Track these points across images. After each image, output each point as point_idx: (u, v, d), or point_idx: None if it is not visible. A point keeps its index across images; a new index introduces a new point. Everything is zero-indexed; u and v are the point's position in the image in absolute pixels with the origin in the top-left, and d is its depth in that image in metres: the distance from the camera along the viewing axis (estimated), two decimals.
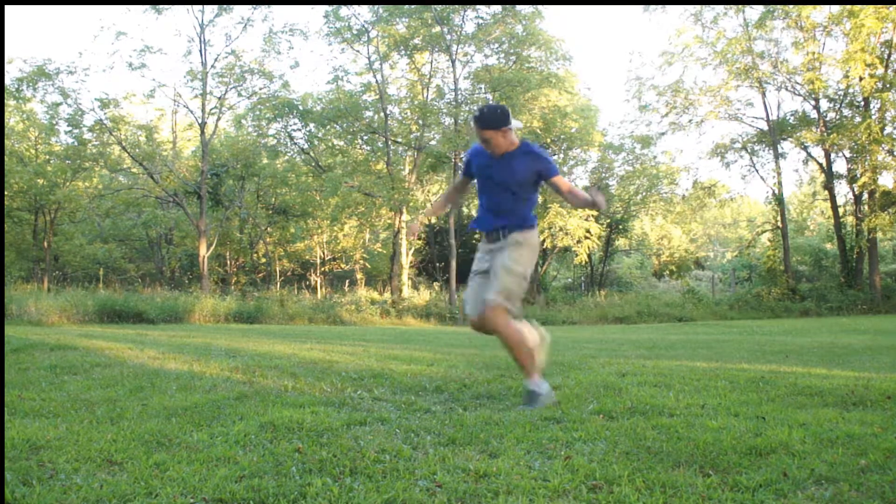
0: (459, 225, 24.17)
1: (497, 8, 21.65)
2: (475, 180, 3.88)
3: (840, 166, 23.64)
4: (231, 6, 21.01)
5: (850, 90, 22.31)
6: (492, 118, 3.56)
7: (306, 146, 24.35)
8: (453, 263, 20.57)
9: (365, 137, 23.11)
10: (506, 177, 3.65)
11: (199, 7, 21.02)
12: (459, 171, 3.95)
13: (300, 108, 22.76)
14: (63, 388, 4.11)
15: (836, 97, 23.00)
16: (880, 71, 20.66)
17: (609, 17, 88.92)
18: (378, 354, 6.25)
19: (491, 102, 3.85)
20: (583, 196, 3.69)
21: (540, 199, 24.98)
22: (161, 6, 20.42)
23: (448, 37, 21.60)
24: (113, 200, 24.28)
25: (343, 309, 17.60)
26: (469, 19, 21.90)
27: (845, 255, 22.89)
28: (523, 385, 3.71)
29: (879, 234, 22.68)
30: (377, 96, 21.96)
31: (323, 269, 27.42)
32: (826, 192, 23.62)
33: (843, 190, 23.61)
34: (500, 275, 3.57)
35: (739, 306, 21.13)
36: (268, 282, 25.16)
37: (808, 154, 24.22)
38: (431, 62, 23.14)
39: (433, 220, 27.42)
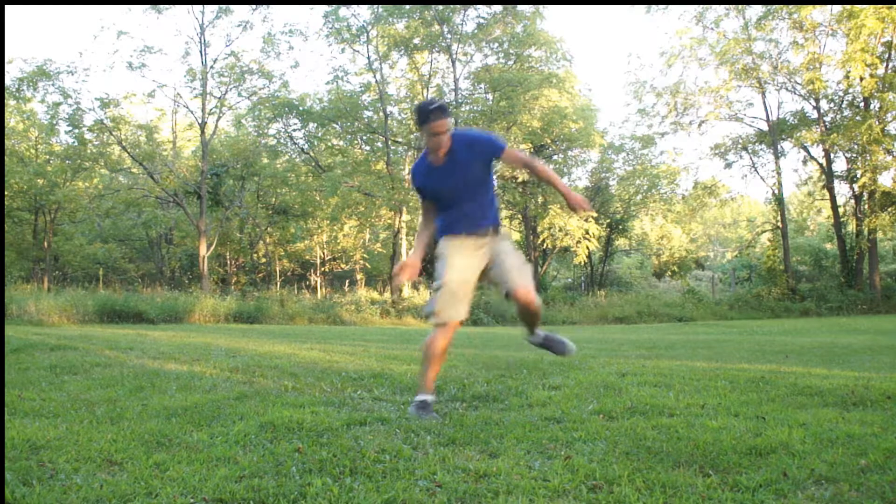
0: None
1: (497, 7, 21.65)
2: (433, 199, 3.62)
3: (840, 166, 23.70)
4: (230, 7, 21.01)
5: (851, 90, 22.33)
6: (444, 106, 3.34)
7: (306, 146, 24.35)
8: None
9: (365, 137, 23.11)
10: (463, 176, 3.43)
11: (200, 7, 21.04)
12: (420, 197, 3.67)
13: (300, 108, 22.76)
14: (63, 388, 4.11)
15: (836, 97, 23.02)
16: (881, 71, 20.66)
17: (609, 17, 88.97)
18: (378, 354, 6.25)
19: (427, 98, 3.67)
20: (546, 171, 3.64)
21: (540, 199, 25.18)
22: (161, 6, 20.43)
23: (448, 36, 21.60)
24: (113, 200, 24.26)
25: (343, 309, 17.59)
26: (470, 19, 21.92)
27: (845, 255, 22.89)
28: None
29: (879, 235, 22.68)
30: (377, 96, 21.96)
31: (323, 269, 27.42)
32: (826, 192, 23.63)
33: (843, 190, 23.66)
34: (525, 269, 3.51)
35: (739, 306, 21.13)
36: (268, 282, 25.15)
37: (808, 154, 24.24)
38: (431, 62, 23.14)
39: None
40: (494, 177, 4.11)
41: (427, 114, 3.31)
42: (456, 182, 3.44)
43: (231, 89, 22.10)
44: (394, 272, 3.59)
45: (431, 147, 3.39)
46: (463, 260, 3.48)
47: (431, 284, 3.58)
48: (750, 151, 25.07)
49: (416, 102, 3.59)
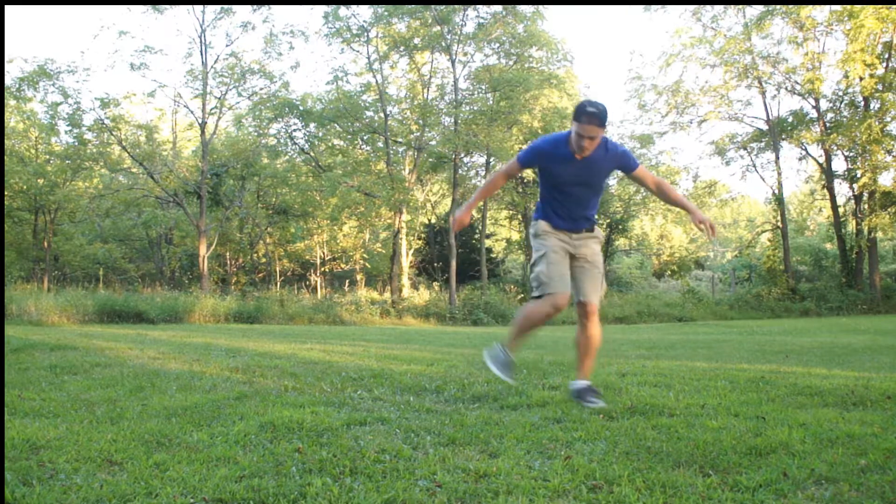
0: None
1: (497, 7, 21.65)
2: (537, 173, 3.67)
3: (840, 166, 23.70)
4: (231, 7, 21.00)
5: (850, 90, 22.34)
6: (606, 117, 3.36)
7: (306, 146, 24.34)
8: (453, 263, 20.57)
9: (365, 137, 23.10)
10: (590, 177, 3.54)
11: (200, 7, 21.04)
12: (517, 159, 3.66)
13: (300, 108, 22.75)
14: (63, 388, 4.11)
15: (836, 97, 23.02)
16: (880, 71, 20.66)
17: (609, 17, 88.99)
18: (378, 354, 6.25)
19: (594, 100, 3.60)
20: (675, 194, 3.71)
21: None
22: (161, 6, 20.43)
23: (448, 37, 21.59)
24: (113, 200, 24.24)
25: (343, 309, 17.59)
26: (469, 19, 21.91)
27: (845, 255, 22.89)
28: (578, 383, 3.71)
29: (879, 234, 22.68)
30: (377, 96, 21.96)
31: (323, 269, 27.41)
32: (826, 192, 23.64)
33: (843, 190, 23.66)
34: (601, 279, 3.66)
35: (739, 306, 21.13)
36: (268, 282, 25.14)
37: (808, 153, 24.24)
38: (431, 62, 23.14)
39: (433, 220, 27.40)
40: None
41: (580, 113, 3.34)
42: (584, 183, 3.54)
43: (231, 89, 22.10)
44: (459, 219, 3.73)
45: (574, 146, 3.43)
46: (560, 242, 3.61)
47: (531, 265, 3.69)
48: (749, 151, 25.08)
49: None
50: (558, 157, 3.52)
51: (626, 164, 3.57)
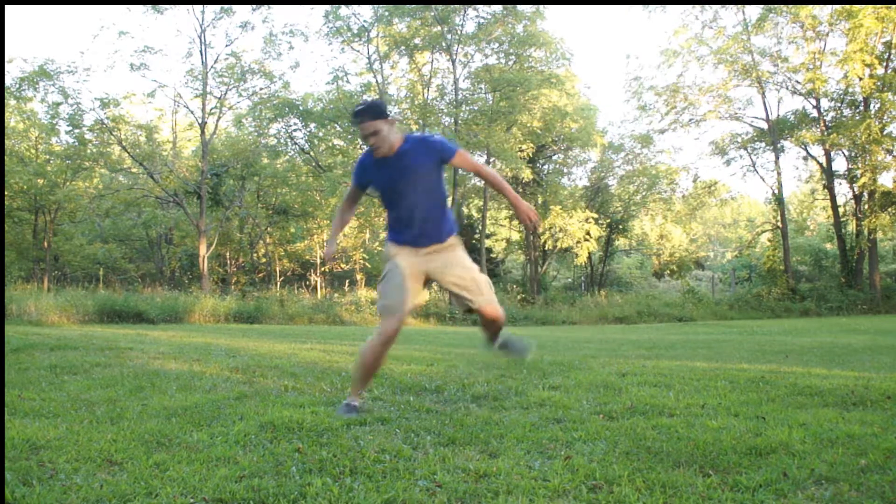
0: (459, 226, 24.15)
1: (497, 7, 21.65)
2: (372, 191, 3.58)
3: (840, 165, 23.69)
4: (231, 7, 20.99)
5: (850, 90, 22.32)
6: (375, 107, 3.27)
7: (306, 146, 24.35)
8: None
9: None
10: (410, 175, 3.36)
11: (200, 7, 21.04)
12: (351, 182, 3.64)
13: (300, 108, 22.76)
14: (63, 388, 4.11)
15: (836, 97, 23.01)
16: (880, 71, 20.65)
17: (609, 17, 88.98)
18: None
19: (366, 98, 3.56)
20: (495, 178, 3.57)
21: (540, 199, 25.18)
22: (161, 6, 20.43)
23: (448, 37, 21.60)
24: (113, 200, 24.25)
25: (343, 309, 17.58)
26: (470, 18, 21.91)
27: (845, 255, 22.88)
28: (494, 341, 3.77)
29: (879, 234, 22.67)
30: (377, 96, 21.96)
31: (323, 269, 27.41)
32: (826, 192, 23.63)
33: (843, 190, 23.65)
34: (482, 283, 3.53)
35: (739, 306, 21.12)
36: (268, 282, 25.13)
37: (808, 153, 24.24)
38: (432, 62, 23.15)
39: None
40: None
41: (352, 117, 3.32)
42: (407, 183, 3.37)
43: (231, 89, 22.11)
44: (328, 254, 3.96)
45: (371, 148, 3.37)
46: (406, 262, 3.45)
47: (378, 286, 3.54)
48: (749, 150, 25.07)
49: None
50: (370, 163, 3.44)
51: (443, 152, 3.41)
